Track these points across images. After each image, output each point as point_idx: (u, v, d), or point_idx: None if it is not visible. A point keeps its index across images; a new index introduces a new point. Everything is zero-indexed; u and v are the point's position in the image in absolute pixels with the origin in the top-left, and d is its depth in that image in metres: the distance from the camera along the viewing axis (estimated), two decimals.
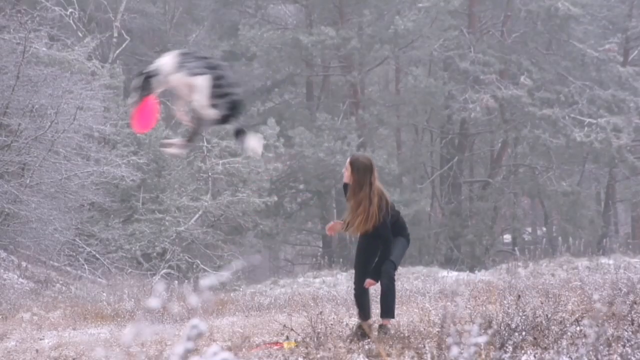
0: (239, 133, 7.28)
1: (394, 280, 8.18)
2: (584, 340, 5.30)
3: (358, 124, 36.56)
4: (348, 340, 7.86)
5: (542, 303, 7.83)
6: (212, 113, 7.06)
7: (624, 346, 5.45)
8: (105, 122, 26.46)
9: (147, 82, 7.05)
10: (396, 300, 8.33)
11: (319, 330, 7.73)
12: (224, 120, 7.17)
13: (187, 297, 14.28)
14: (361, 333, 7.95)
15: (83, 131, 24.97)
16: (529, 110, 36.11)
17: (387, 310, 8.13)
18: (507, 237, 41.07)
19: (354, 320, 8.99)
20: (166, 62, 7.10)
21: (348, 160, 8.28)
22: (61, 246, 24.49)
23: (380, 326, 8.14)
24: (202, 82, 7.01)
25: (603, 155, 36.00)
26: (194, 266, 28.11)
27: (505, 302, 8.18)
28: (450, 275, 23.57)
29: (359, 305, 8.29)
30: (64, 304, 15.28)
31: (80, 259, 25.19)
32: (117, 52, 35.11)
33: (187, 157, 31.25)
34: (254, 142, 7.27)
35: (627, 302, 6.77)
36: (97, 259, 25.88)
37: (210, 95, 7.02)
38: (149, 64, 7.30)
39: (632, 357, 5.33)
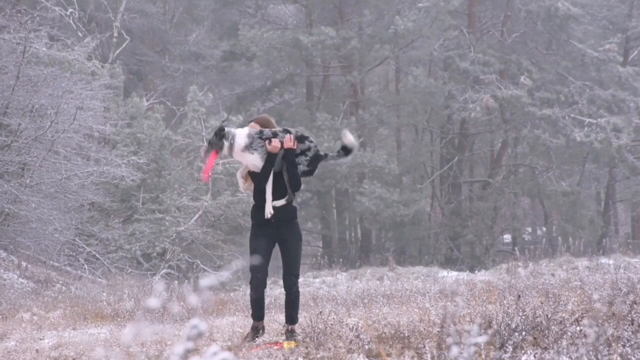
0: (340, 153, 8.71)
1: (298, 291, 8.38)
2: (584, 340, 5.30)
3: (358, 124, 36.55)
4: (246, 340, 8.15)
5: (542, 303, 7.84)
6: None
7: (624, 346, 5.46)
8: (105, 122, 26.46)
9: (219, 141, 8.11)
10: (395, 301, 8.38)
11: (319, 330, 7.73)
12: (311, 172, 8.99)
13: (187, 297, 14.28)
14: (255, 333, 8.25)
15: (83, 131, 24.96)
16: (529, 110, 36.11)
17: (292, 317, 8.34)
18: (507, 237, 41.07)
19: (354, 320, 8.99)
20: (241, 136, 8.15)
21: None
22: (61, 246, 24.49)
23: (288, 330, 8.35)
24: (257, 161, 8.24)
25: (603, 155, 35.99)
26: (194, 266, 28.11)
27: (505, 302, 8.19)
28: (450, 275, 23.59)
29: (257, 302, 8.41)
30: (64, 304, 15.28)
31: (80, 259, 25.19)
32: (117, 52, 35.11)
33: (187, 157, 31.25)
34: (348, 137, 8.52)
35: (627, 302, 6.77)
36: (97, 259, 25.87)
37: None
38: (228, 123, 8.29)
39: (632, 357, 5.33)
